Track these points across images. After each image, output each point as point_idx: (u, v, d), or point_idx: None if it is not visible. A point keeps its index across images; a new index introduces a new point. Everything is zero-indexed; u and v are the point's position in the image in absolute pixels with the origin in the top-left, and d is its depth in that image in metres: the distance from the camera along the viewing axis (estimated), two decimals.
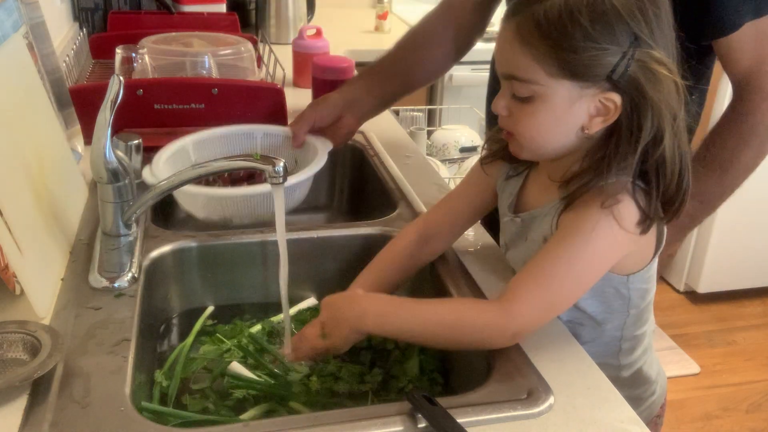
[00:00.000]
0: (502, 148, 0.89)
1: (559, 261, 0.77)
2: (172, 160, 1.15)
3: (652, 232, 0.80)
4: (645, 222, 0.76)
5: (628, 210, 0.76)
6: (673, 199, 0.78)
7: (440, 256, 1.01)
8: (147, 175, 1.06)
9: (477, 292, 0.94)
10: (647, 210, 0.76)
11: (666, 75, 0.73)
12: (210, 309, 1.05)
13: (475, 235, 1.09)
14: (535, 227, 0.87)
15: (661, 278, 3.00)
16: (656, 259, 0.87)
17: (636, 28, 0.72)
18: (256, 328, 1.00)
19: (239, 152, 1.25)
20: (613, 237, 0.76)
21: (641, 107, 0.73)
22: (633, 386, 0.96)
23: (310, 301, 1.07)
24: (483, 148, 0.96)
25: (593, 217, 0.76)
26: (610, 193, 0.75)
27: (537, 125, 0.78)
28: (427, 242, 0.98)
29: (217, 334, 0.98)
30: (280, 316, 1.02)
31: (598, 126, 0.76)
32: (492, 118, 0.84)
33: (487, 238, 1.08)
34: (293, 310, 1.03)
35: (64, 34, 1.79)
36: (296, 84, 1.84)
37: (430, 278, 1.01)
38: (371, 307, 0.82)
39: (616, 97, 0.74)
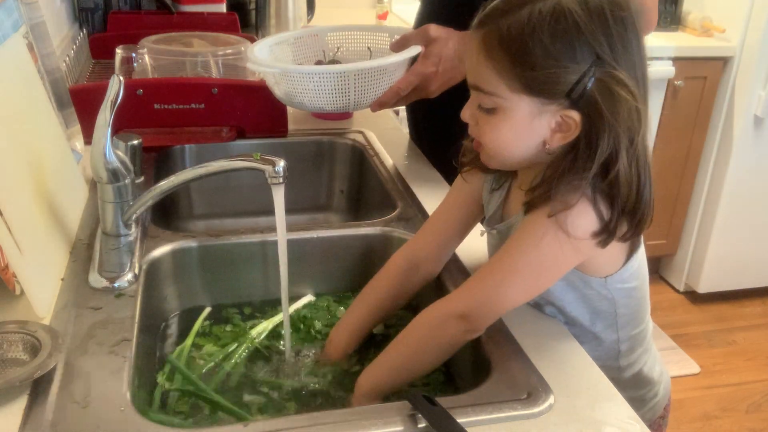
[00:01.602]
0: (477, 157, 0.88)
1: (502, 265, 0.79)
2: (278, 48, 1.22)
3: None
4: (603, 233, 0.76)
5: (583, 219, 0.76)
6: (632, 217, 0.78)
7: None
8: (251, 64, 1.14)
9: None
10: (608, 221, 0.76)
11: (625, 97, 0.73)
12: (207, 310, 1.05)
13: (474, 235, 1.09)
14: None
15: (661, 278, 3.00)
16: (638, 257, 0.86)
17: (598, 49, 0.72)
18: (258, 329, 1.00)
19: None
20: (558, 247, 0.77)
21: (598, 126, 0.73)
22: (635, 388, 0.95)
23: (307, 298, 1.08)
24: (460, 157, 0.94)
25: (540, 227, 0.77)
26: (559, 201, 0.75)
27: (500, 137, 0.78)
28: (418, 268, 0.97)
29: (217, 334, 0.98)
30: (280, 316, 1.02)
31: (558, 142, 0.76)
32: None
33: (485, 238, 1.08)
34: (291, 309, 1.03)
35: (64, 34, 1.79)
36: None
37: (435, 286, 1.01)
38: (363, 379, 0.85)
39: (576, 115, 0.74)
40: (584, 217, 0.76)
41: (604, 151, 0.73)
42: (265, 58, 1.24)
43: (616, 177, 0.74)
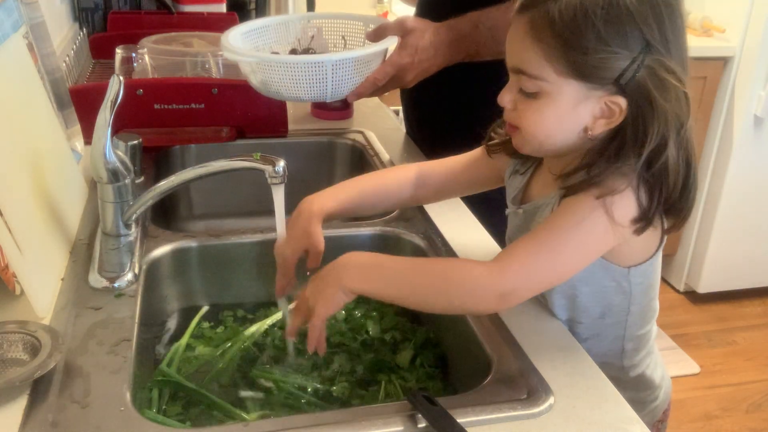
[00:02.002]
0: (506, 141, 0.89)
1: (545, 245, 0.77)
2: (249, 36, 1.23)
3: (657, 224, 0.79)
4: (641, 221, 0.76)
5: (625, 204, 0.75)
6: (677, 207, 0.78)
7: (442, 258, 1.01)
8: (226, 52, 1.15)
9: None
10: (647, 209, 0.76)
11: (675, 84, 0.73)
12: (204, 309, 1.05)
13: (476, 236, 1.09)
14: (537, 218, 0.87)
15: (661, 278, 3.00)
16: (660, 254, 0.86)
17: (648, 35, 0.72)
18: (251, 330, 1.00)
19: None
20: (602, 229, 0.76)
21: (647, 113, 0.73)
22: (636, 389, 0.95)
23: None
24: (487, 139, 0.95)
25: (587, 207, 0.76)
26: (607, 186, 0.75)
27: (541, 122, 0.78)
28: (422, 185, 0.99)
29: (210, 336, 0.99)
30: (276, 316, 1.02)
31: (601, 128, 0.76)
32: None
33: (487, 239, 1.08)
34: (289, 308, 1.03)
35: (64, 34, 1.79)
36: None
37: None
38: (354, 261, 0.78)
39: (622, 101, 0.74)
40: (627, 204, 0.75)
41: (653, 138, 0.73)
42: (240, 47, 1.23)
43: (664, 165, 0.74)
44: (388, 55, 1.23)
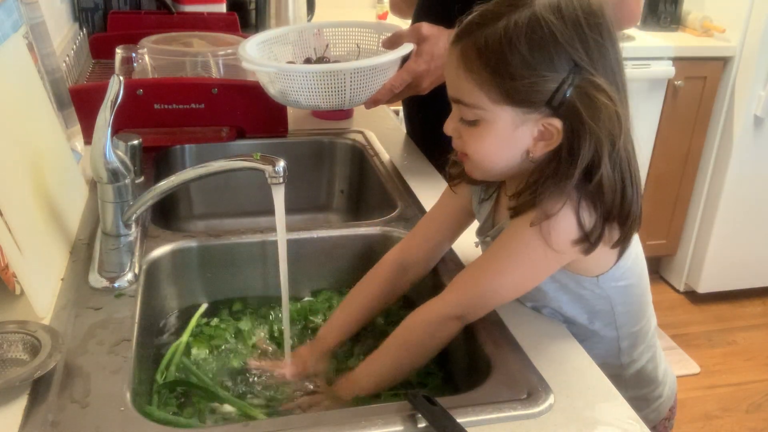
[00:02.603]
0: (464, 170, 0.89)
1: (490, 266, 0.82)
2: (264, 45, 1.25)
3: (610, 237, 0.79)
4: (584, 242, 0.77)
5: (564, 227, 0.76)
6: (621, 222, 0.78)
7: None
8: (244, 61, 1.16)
9: None
10: (590, 230, 0.76)
11: (605, 103, 0.73)
12: (203, 307, 1.05)
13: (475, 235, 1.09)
14: None
15: (661, 278, 3.00)
16: (629, 256, 0.85)
17: (575, 56, 0.73)
18: (247, 325, 1.00)
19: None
20: (542, 254, 0.78)
21: (580, 132, 0.74)
22: (637, 386, 0.95)
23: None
24: (447, 169, 0.95)
25: (524, 236, 0.78)
26: (545, 207, 0.76)
27: (483, 148, 0.79)
28: (407, 270, 0.98)
29: (209, 334, 0.99)
30: (271, 314, 1.03)
31: (542, 150, 0.77)
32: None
33: None
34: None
35: (64, 34, 1.79)
36: None
37: (431, 280, 1.01)
38: (342, 392, 0.85)
39: (558, 123, 0.74)
40: (565, 227, 0.76)
41: (585, 157, 0.74)
42: (256, 57, 1.25)
43: (599, 182, 0.75)
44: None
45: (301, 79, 1.16)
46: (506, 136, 0.77)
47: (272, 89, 1.22)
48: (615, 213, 0.77)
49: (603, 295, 0.86)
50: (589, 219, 0.76)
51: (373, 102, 1.23)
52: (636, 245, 0.87)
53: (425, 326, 0.84)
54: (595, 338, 0.90)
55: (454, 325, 0.84)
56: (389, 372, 0.85)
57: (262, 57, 1.29)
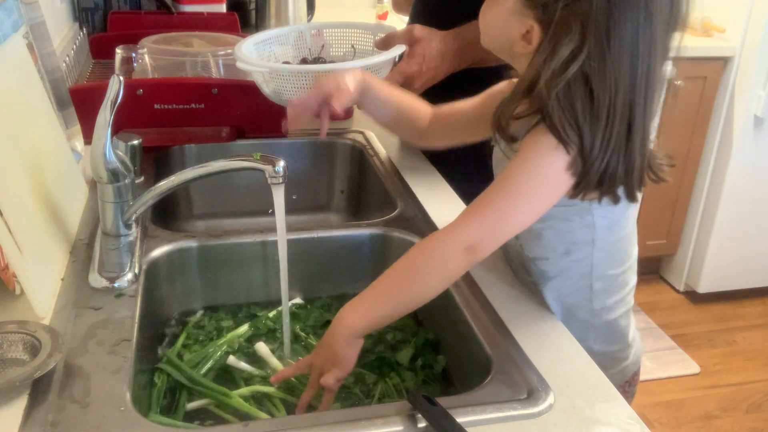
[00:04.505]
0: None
1: (505, 189, 0.80)
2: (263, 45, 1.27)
3: None
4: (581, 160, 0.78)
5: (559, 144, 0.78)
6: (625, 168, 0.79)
7: None
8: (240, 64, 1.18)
9: (476, 291, 0.94)
10: (586, 147, 0.77)
11: (573, 33, 0.75)
12: (203, 309, 1.06)
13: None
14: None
15: (661, 278, 3.00)
16: (631, 205, 0.87)
17: None
18: (243, 328, 1.00)
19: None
20: (552, 171, 0.78)
21: (558, 47, 0.76)
22: (608, 341, 0.96)
23: (295, 300, 1.09)
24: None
25: (536, 153, 0.79)
26: (547, 123, 0.78)
27: (486, 16, 0.87)
28: (426, 119, 1.07)
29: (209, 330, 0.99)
30: (271, 313, 1.03)
31: (521, 49, 0.82)
32: None
33: None
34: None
35: (64, 34, 1.79)
36: None
37: None
38: (344, 317, 0.81)
39: (538, 32, 0.78)
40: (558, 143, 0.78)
41: (562, 60, 0.75)
42: (253, 56, 1.26)
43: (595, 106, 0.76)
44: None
45: (293, 79, 1.17)
46: (503, 16, 0.83)
47: (266, 89, 1.24)
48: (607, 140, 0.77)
49: (589, 224, 0.87)
50: (579, 140, 0.77)
51: None
52: (634, 208, 0.89)
53: (428, 256, 0.80)
54: (567, 273, 0.91)
55: (462, 259, 0.79)
56: (385, 308, 0.81)
57: (260, 57, 1.30)
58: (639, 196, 0.84)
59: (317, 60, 1.35)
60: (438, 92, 1.28)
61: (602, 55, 0.75)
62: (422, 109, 1.10)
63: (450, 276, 0.82)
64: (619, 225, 0.90)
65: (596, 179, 0.79)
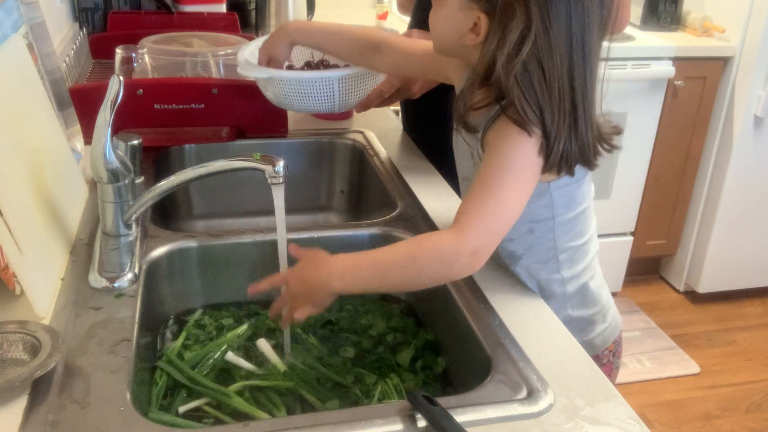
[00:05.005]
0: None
1: (492, 187, 0.82)
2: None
3: None
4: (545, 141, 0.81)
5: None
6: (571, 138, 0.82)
7: None
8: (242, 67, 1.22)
9: (477, 292, 0.94)
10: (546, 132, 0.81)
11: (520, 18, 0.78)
12: (203, 308, 1.06)
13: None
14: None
15: (661, 278, 3.00)
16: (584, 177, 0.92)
17: None
18: (243, 327, 1.00)
19: None
20: (527, 154, 0.82)
21: (505, 32, 0.79)
22: (583, 305, 0.99)
23: None
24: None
25: (508, 142, 0.82)
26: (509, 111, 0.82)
27: (434, 19, 0.90)
28: (378, 51, 1.10)
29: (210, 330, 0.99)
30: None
31: (471, 41, 0.84)
32: None
33: None
34: None
35: (64, 34, 1.79)
36: None
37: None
38: (335, 268, 0.83)
39: (485, 22, 0.82)
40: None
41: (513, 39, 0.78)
42: (254, 61, 1.27)
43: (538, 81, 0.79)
44: None
45: (292, 85, 1.19)
46: (450, 15, 0.86)
47: (267, 93, 1.25)
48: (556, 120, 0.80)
49: (548, 203, 0.90)
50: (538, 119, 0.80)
51: (362, 106, 1.27)
52: (589, 185, 0.95)
53: (432, 257, 0.81)
54: (533, 249, 0.94)
55: (467, 261, 0.81)
56: (385, 281, 0.84)
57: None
58: (595, 166, 0.89)
59: (321, 63, 1.36)
60: (440, 96, 1.29)
61: (546, 32, 0.78)
62: (364, 38, 1.14)
63: (450, 277, 0.87)
64: (576, 201, 0.94)
65: (557, 158, 0.82)
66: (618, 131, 0.90)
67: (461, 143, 0.96)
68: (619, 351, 1.08)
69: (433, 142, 1.30)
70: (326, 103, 1.20)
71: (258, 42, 1.31)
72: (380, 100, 1.27)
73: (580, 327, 0.87)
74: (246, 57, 1.25)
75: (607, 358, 1.05)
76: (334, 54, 1.23)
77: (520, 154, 0.82)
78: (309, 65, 1.36)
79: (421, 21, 1.42)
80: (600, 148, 0.87)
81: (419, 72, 1.10)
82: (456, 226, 0.82)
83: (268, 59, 1.21)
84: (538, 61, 0.79)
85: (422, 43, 1.06)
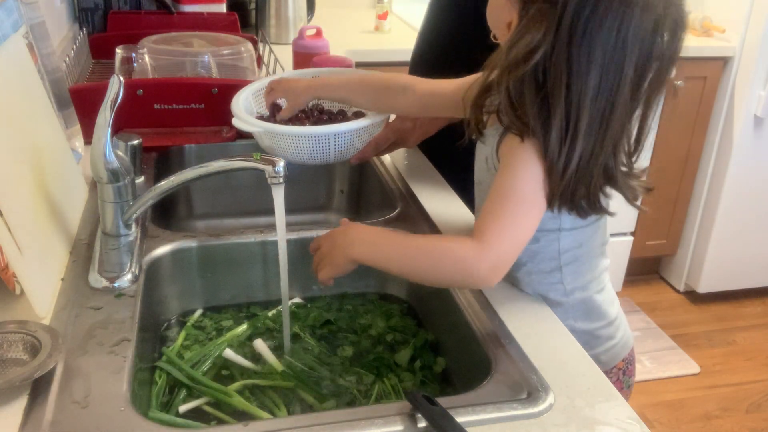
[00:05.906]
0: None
1: (510, 202, 0.82)
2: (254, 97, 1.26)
3: None
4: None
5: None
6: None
7: None
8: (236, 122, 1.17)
9: (477, 292, 0.94)
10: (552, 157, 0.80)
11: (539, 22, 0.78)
12: (203, 308, 1.06)
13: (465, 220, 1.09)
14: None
15: (661, 278, 3.00)
16: None
17: None
18: (243, 327, 1.00)
19: None
20: (535, 167, 0.82)
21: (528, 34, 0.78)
22: (586, 318, 0.97)
23: (295, 300, 1.09)
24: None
25: (519, 156, 0.82)
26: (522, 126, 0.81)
27: (489, 5, 0.90)
28: (404, 92, 1.09)
29: (211, 332, 0.99)
30: (270, 313, 1.03)
31: (503, 37, 0.84)
32: None
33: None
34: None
35: (64, 34, 1.79)
36: None
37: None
38: (361, 237, 0.87)
39: (515, 20, 0.81)
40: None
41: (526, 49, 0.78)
42: (251, 107, 1.24)
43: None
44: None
45: (287, 139, 1.15)
46: (497, 6, 0.87)
47: (263, 142, 1.20)
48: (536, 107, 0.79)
49: (554, 214, 0.88)
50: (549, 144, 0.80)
51: (357, 158, 1.24)
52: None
53: (451, 262, 0.82)
54: (537, 257, 0.93)
55: (486, 274, 0.81)
56: (403, 267, 0.85)
57: (258, 106, 1.27)
58: (593, 216, 0.87)
59: (316, 107, 1.30)
60: (433, 140, 1.29)
61: (568, 60, 0.76)
62: (389, 83, 1.12)
63: (467, 286, 0.91)
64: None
65: (560, 176, 0.81)
66: (649, 187, 0.88)
67: (480, 146, 0.96)
68: (630, 370, 1.05)
69: (433, 142, 1.30)
70: (321, 157, 1.17)
71: (253, 87, 1.27)
72: (377, 152, 1.26)
73: (584, 340, 0.85)
74: (242, 102, 1.22)
75: (616, 376, 1.03)
76: (355, 105, 1.21)
77: (532, 165, 0.82)
78: (304, 112, 1.29)
79: (418, 68, 1.41)
80: (602, 193, 0.85)
81: (448, 110, 1.06)
82: (480, 239, 0.81)
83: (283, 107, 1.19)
84: (540, 77, 0.78)
85: (454, 82, 1.04)
